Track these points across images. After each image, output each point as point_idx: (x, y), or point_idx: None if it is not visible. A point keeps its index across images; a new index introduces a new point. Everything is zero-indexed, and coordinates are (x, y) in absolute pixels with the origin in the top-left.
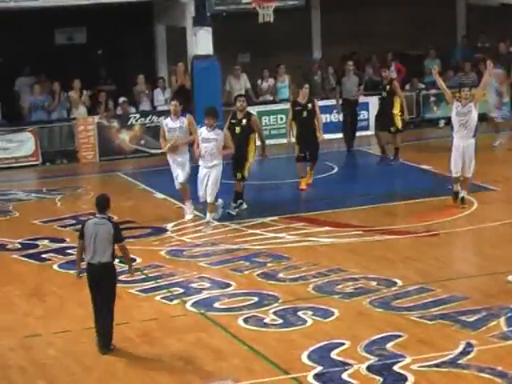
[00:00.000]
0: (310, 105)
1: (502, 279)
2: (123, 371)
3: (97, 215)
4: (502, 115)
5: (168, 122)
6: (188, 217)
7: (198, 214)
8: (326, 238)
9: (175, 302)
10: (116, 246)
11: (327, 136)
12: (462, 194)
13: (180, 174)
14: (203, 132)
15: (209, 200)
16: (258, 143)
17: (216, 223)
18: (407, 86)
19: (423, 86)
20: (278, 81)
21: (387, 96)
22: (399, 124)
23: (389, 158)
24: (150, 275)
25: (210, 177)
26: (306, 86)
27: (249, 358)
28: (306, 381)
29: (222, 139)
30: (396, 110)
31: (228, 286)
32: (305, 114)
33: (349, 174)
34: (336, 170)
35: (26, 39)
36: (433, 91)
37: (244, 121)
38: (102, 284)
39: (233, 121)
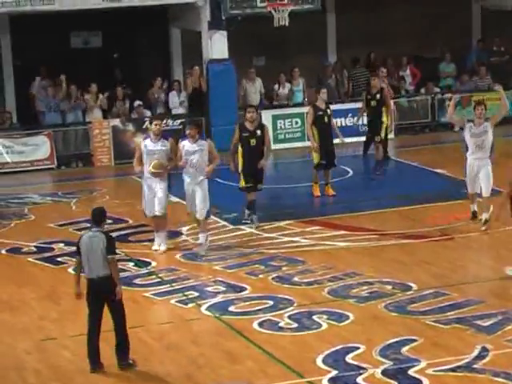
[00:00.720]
0: (329, 110)
1: None
2: (138, 374)
3: (92, 228)
4: None
5: (147, 144)
6: (157, 247)
7: (213, 217)
8: (342, 241)
9: (190, 305)
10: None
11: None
12: (484, 216)
13: (157, 204)
14: (186, 144)
15: (200, 217)
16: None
17: (203, 254)
18: (422, 90)
19: (438, 89)
20: (292, 84)
21: (377, 105)
22: (383, 133)
23: (382, 165)
24: (165, 279)
25: (198, 193)
26: (324, 90)
27: (264, 362)
28: None
29: (206, 150)
30: (385, 119)
31: (243, 289)
32: (326, 119)
33: (364, 178)
34: (351, 173)
35: (42, 43)
36: (448, 95)
37: (258, 132)
38: (109, 296)
39: (245, 134)
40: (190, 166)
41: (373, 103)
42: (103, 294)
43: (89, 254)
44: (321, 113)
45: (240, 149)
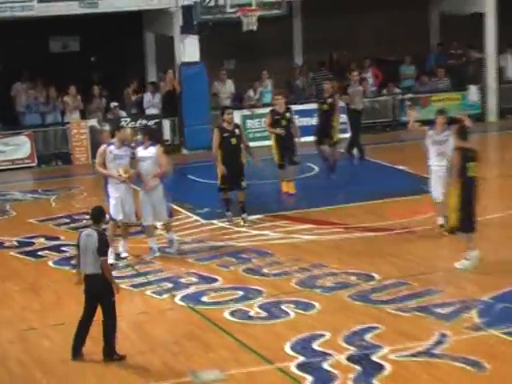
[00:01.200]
0: (288, 114)
1: (476, 273)
2: (117, 362)
3: (91, 226)
4: None
5: (112, 149)
6: (126, 254)
7: (186, 212)
8: (308, 235)
9: (165, 296)
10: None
11: (308, 139)
12: (441, 220)
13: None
14: (139, 151)
15: (162, 221)
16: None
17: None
18: (384, 91)
19: (399, 90)
20: (261, 86)
21: (329, 109)
22: (336, 137)
23: (332, 168)
24: (140, 271)
25: (153, 199)
26: (279, 97)
27: (236, 350)
28: (290, 370)
29: (157, 156)
30: (335, 123)
31: (215, 280)
32: (283, 122)
33: (329, 176)
34: (316, 170)
35: (23, 48)
36: (409, 95)
37: (237, 131)
38: (98, 295)
39: (225, 134)
40: (144, 172)
41: (324, 107)
42: (93, 292)
43: (84, 250)
44: (278, 117)
45: (219, 151)
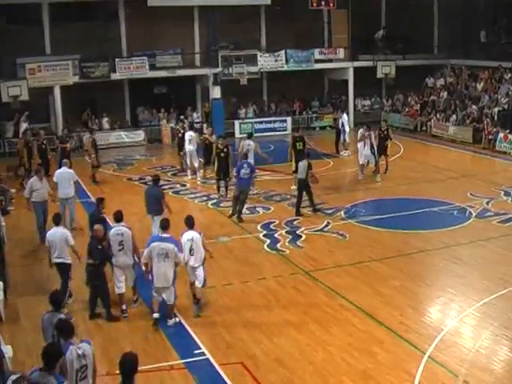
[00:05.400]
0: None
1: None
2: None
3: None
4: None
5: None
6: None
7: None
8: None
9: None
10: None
11: None
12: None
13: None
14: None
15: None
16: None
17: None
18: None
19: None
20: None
21: (226, 156)
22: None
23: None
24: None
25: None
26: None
27: (235, 228)
28: (259, 237)
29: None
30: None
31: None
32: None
33: None
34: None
35: (139, 92)
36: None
37: (225, 149)
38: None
39: (218, 150)
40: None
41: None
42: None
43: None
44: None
45: (216, 157)
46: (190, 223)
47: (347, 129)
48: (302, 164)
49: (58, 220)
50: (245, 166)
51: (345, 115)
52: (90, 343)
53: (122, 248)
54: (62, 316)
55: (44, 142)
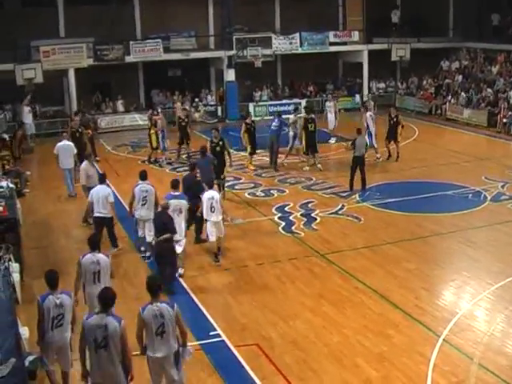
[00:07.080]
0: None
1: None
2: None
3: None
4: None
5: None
6: None
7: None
8: None
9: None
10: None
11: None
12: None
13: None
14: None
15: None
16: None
17: None
18: None
19: None
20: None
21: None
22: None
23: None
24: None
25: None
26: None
27: (249, 211)
28: (275, 220)
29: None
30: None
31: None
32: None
33: None
34: None
35: (154, 77)
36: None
37: (220, 143)
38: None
39: (213, 144)
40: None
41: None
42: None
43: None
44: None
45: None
46: (210, 184)
47: (373, 129)
48: (359, 141)
49: (103, 179)
50: (276, 120)
51: (369, 113)
52: (70, 295)
53: (145, 203)
54: (100, 255)
55: (79, 129)
